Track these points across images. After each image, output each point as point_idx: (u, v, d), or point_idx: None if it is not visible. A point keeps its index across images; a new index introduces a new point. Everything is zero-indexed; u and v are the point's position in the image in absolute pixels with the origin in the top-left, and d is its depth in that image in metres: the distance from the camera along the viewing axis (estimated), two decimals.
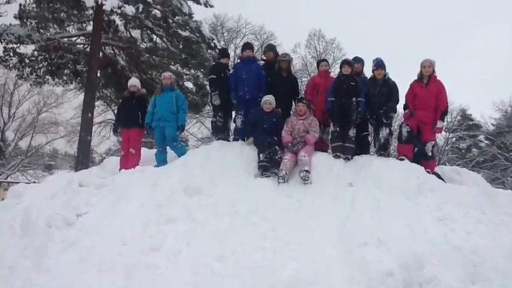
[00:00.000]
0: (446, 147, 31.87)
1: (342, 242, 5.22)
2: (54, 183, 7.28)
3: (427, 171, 6.85)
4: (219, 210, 5.81)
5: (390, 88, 7.51)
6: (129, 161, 7.87)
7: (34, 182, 21.03)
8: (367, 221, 5.57)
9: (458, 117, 32.49)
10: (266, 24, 30.97)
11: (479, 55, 51.33)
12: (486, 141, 32.34)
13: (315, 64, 31.40)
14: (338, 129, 7.40)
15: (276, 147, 7.01)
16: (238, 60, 8.94)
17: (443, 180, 6.98)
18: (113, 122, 30.67)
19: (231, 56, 30.15)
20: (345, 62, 7.77)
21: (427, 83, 7.28)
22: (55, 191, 6.72)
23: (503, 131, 30.51)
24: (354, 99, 7.37)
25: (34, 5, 13.93)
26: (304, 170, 6.49)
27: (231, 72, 8.20)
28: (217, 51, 10.23)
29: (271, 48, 8.56)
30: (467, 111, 32.68)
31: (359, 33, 48.10)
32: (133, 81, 8.52)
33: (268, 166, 6.77)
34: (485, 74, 47.43)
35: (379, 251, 4.90)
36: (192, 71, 17.15)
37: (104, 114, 26.58)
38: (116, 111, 13.85)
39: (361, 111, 7.39)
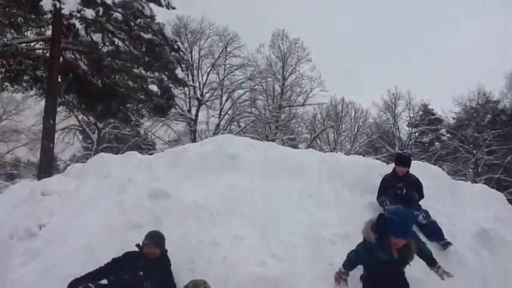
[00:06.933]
0: (410, 142, 32.70)
1: (310, 238, 5.31)
2: (16, 193, 7.07)
3: None
4: (186, 212, 5.77)
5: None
6: None
7: None
8: (333, 218, 5.66)
9: (420, 112, 33.40)
10: (230, 25, 30.89)
11: (438, 52, 52.80)
12: (448, 135, 33.35)
13: (280, 64, 31.90)
14: None
15: None
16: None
17: None
18: (76, 127, 29.70)
19: (195, 57, 30.14)
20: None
21: None
22: (17, 201, 6.52)
23: (463, 124, 31.50)
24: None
25: None
26: None
27: None
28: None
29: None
30: (429, 106, 33.66)
31: (322, 33, 48.76)
32: None
33: None
34: (444, 69, 48.94)
35: (346, 247, 4.98)
36: (156, 73, 16.91)
37: (67, 120, 26.01)
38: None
39: None
